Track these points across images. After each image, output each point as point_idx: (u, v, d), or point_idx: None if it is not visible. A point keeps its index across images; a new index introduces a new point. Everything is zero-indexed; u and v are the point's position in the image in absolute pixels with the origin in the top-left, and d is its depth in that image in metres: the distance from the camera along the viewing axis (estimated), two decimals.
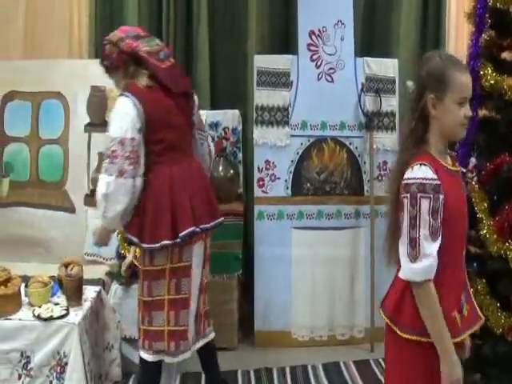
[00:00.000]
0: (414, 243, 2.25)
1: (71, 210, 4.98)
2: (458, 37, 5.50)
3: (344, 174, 4.97)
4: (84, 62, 5.12)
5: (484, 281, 3.50)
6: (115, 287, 4.34)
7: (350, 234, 4.99)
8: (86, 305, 3.60)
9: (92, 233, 3.65)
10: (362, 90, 4.95)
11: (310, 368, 4.54)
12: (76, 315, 3.43)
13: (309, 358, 4.69)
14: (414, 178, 2.26)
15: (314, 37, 4.92)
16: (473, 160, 3.56)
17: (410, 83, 3.05)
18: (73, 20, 5.31)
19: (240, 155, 4.99)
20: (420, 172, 2.26)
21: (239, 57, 5.25)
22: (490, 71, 3.52)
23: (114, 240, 4.37)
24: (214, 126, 4.96)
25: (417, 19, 5.45)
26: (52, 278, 3.70)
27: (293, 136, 4.91)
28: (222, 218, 3.63)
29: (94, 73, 4.84)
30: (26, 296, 3.56)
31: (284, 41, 5.41)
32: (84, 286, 3.70)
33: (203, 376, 4.18)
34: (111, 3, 5.30)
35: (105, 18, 5.30)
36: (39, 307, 3.44)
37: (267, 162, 4.89)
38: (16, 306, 3.46)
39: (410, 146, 2.37)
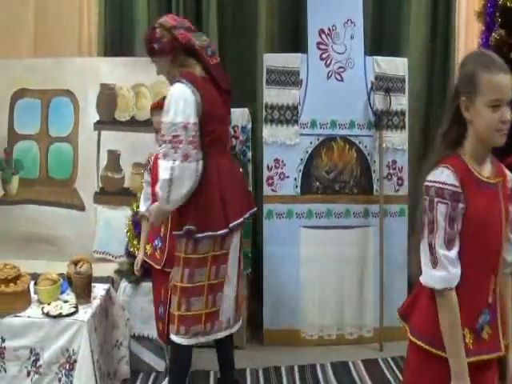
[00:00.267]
0: (431, 249, 2.18)
1: (80, 207, 4.99)
2: (468, 36, 5.48)
3: (353, 173, 4.96)
4: (93, 60, 5.15)
5: None
6: (124, 285, 4.35)
7: (359, 233, 4.97)
8: (95, 302, 3.61)
9: (148, 213, 3.64)
10: (371, 88, 4.94)
11: (318, 367, 4.53)
12: (85, 313, 3.44)
13: (317, 357, 4.69)
14: (434, 182, 2.18)
15: (323, 35, 4.91)
16: None
17: None
18: (82, 18, 5.33)
19: (249, 154, 4.98)
20: (441, 176, 2.18)
21: (249, 55, 5.25)
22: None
23: (123, 237, 4.39)
24: None
25: (426, 18, 5.44)
26: (61, 275, 3.71)
27: (302, 135, 4.90)
28: (256, 208, 3.81)
29: (104, 71, 4.92)
30: (35, 293, 3.56)
31: (294, 39, 5.41)
32: (93, 284, 3.71)
33: (211, 374, 4.20)
34: (121, 1, 5.31)
35: (114, 16, 5.31)
36: (48, 305, 3.44)
37: (276, 160, 4.89)
38: (25, 304, 3.47)
39: (442, 148, 2.27)
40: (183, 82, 3.33)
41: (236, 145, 4.97)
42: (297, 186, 4.90)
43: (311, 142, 4.91)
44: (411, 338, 2.35)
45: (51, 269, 3.92)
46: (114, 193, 4.93)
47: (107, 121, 4.94)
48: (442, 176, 2.17)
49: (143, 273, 4.04)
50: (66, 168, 5.00)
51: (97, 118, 4.97)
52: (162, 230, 3.79)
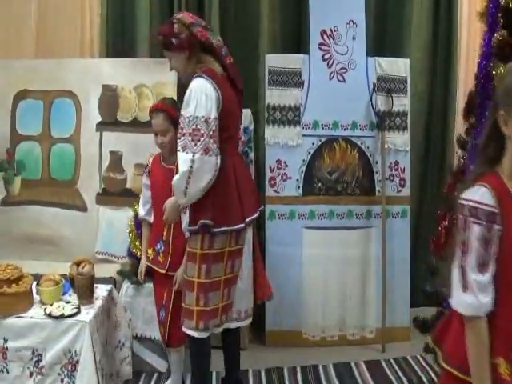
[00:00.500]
0: (463, 271, 2.04)
1: (83, 208, 4.99)
2: (470, 36, 5.49)
3: (355, 174, 4.97)
4: (96, 61, 5.15)
5: None
6: (126, 286, 4.35)
7: (361, 234, 4.97)
8: (98, 303, 3.61)
9: (163, 208, 3.65)
10: (373, 89, 4.94)
11: (320, 368, 4.53)
12: (87, 313, 3.44)
13: (320, 357, 4.68)
14: (468, 200, 2.03)
15: (325, 36, 4.91)
16: None
17: None
18: (84, 19, 5.33)
19: (251, 155, 4.97)
20: (476, 194, 2.01)
21: (251, 56, 5.23)
22: (502, 71, 3.49)
23: (126, 238, 4.39)
24: None
25: (428, 19, 5.44)
26: (63, 276, 3.71)
27: (304, 136, 4.90)
28: (262, 206, 3.96)
29: (106, 72, 4.92)
30: (37, 294, 3.56)
31: (296, 40, 5.41)
32: (95, 285, 3.71)
33: (214, 374, 4.20)
34: (122, 3, 5.31)
35: (116, 17, 5.31)
36: (50, 305, 3.44)
37: (279, 161, 4.89)
38: (27, 304, 3.47)
39: (480, 164, 2.11)
40: (204, 78, 3.38)
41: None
42: (299, 187, 4.90)
43: (313, 143, 4.91)
44: (443, 365, 2.19)
45: (53, 270, 3.92)
46: (116, 194, 4.92)
47: (109, 122, 4.94)
48: (477, 194, 2.02)
49: (147, 275, 4.01)
50: (68, 169, 4.99)
51: (99, 118, 4.96)
52: (165, 233, 3.78)
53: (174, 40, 3.45)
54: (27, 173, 5.05)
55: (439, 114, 5.54)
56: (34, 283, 3.58)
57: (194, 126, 3.30)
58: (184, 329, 3.56)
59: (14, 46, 5.28)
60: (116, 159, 4.93)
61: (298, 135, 4.89)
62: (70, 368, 3.34)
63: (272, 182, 4.88)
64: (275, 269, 4.82)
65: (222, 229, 3.43)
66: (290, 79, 4.89)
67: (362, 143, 4.96)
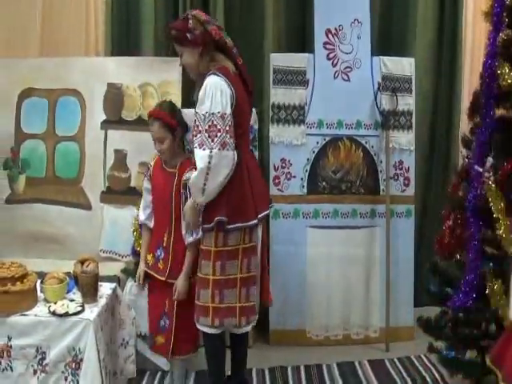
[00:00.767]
0: None
1: (87, 206, 4.99)
2: (475, 35, 5.48)
3: (360, 173, 4.96)
4: (100, 60, 5.15)
5: (500, 281, 3.47)
6: (130, 284, 4.34)
7: (365, 233, 4.97)
8: (102, 301, 3.60)
9: (182, 214, 3.65)
10: (378, 88, 4.93)
11: (324, 367, 4.53)
12: (91, 312, 3.43)
13: (323, 357, 4.69)
14: None
15: (330, 35, 4.91)
16: (490, 159, 3.52)
17: None
18: (89, 18, 5.33)
19: (256, 153, 4.96)
20: None
21: (255, 55, 5.22)
22: (507, 70, 3.47)
23: (130, 236, 4.39)
24: None
25: (433, 18, 5.45)
26: (68, 274, 3.70)
27: (309, 134, 4.90)
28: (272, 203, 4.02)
29: (111, 70, 4.92)
30: (41, 292, 3.56)
31: (300, 39, 5.42)
32: (99, 283, 3.70)
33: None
34: (128, 1, 5.32)
35: (121, 15, 5.33)
36: (55, 303, 3.43)
37: (283, 160, 4.89)
38: (32, 302, 3.46)
39: None
40: (218, 75, 3.41)
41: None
42: (303, 186, 4.90)
43: (318, 142, 4.91)
44: None
45: (58, 268, 3.91)
46: (120, 192, 4.93)
47: (114, 120, 4.95)
48: None
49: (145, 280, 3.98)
50: (73, 167, 5.00)
51: (103, 117, 4.96)
52: (165, 239, 3.76)
53: (188, 35, 3.46)
54: (32, 171, 5.06)
55: (444, 114, 5.53)
56: (39, 281, 3.58)
57: (210, 123, 3.32)
58: (199, 326, 3.58)
59: (19, 45, 5.29)
60: (120, 157, 4.93)
61: (302, 134, 4.89)
62: (73, 366, 3.33)
63: (276, 181, 4.87)
64: (279, 268, 4.83)
65: (237, 225, 3.45)
66: (295, 78, 4.89)
67: (366, 142, 4.96)
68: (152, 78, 4.87)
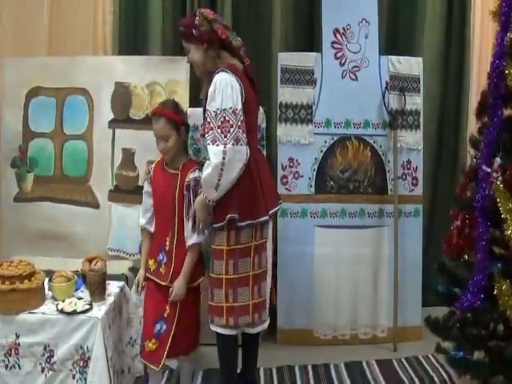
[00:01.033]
0: None
1: (95, 205, 5.00)
2: (483, 35, 5.48)
3: (368, 173, 4.95)
4: (108, 59, 5.17)
5: (508, 282, 3.46)
6: None
7: (373, 233, 4.96)
8: (109, 300, 3.60)
9: (194, 211, 3.59)
10: (386, 88, 4.93)
11: (332, 367, 4.52)
12: (99, 310, 3.43)
13: (331, 356, 4.68)
14: None
15: (338, 35, 4.90)
16: (498, 160, 3.51)
17: None
18: (97, 16, 5.35)
19: (264, 153, 4.96)
20: None
21: (263, 54, 5.24)
22: None
23: (137, 235, 4.38)
24: None
25: (441, 17, 5.44)
26: (76, 272, 3.71)
27: (316, 134, 4.90)
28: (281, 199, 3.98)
29: (119, 69, 4.94)
30: (49, 290, 3.56)
31: (308, 38, 5.42)
32: (107, 281, 3.70)
33: None
34: (135, 1, 5.33)
35: (129, 14, 5.34)
36: (62, 301, 3.44)
37: (291, 159, 4.88)
38: (39, 300, 3.47)
39: None
40: (227, 72, 3.44)
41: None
42: (311, 186, 4.90)
43: (326, 142, 4.91)
44: None
45: (66, 266, 3.93)
46: (128, 191, 4.93)
47: (122, 119, 4.96)
48: None
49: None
50: (81, 166, 5.01)
51: (111, 116, 4.97)
52: (167, 243, 3.70)
53: (194, 31, 3.50)
54: (40, 169, 5.07)
55: (452, 113, 5.52)
56: (47, 279, 3.58)
57: (222, 119, 3.35)
58: (213, 327, 3.59)
59: (27, 44, 5.31)
60: (128, 156, 4.94)
61: (310, 133, 4.88)
62: (81, 364, 3.34)
63: (284, 181, 4.87)
64: (287, 267, 4.83)
65: (248, 222, 3.47)
66: (303, 77, 4.88)
67: (374, 142, 4.95)
68: (160, 77, 4.88)
